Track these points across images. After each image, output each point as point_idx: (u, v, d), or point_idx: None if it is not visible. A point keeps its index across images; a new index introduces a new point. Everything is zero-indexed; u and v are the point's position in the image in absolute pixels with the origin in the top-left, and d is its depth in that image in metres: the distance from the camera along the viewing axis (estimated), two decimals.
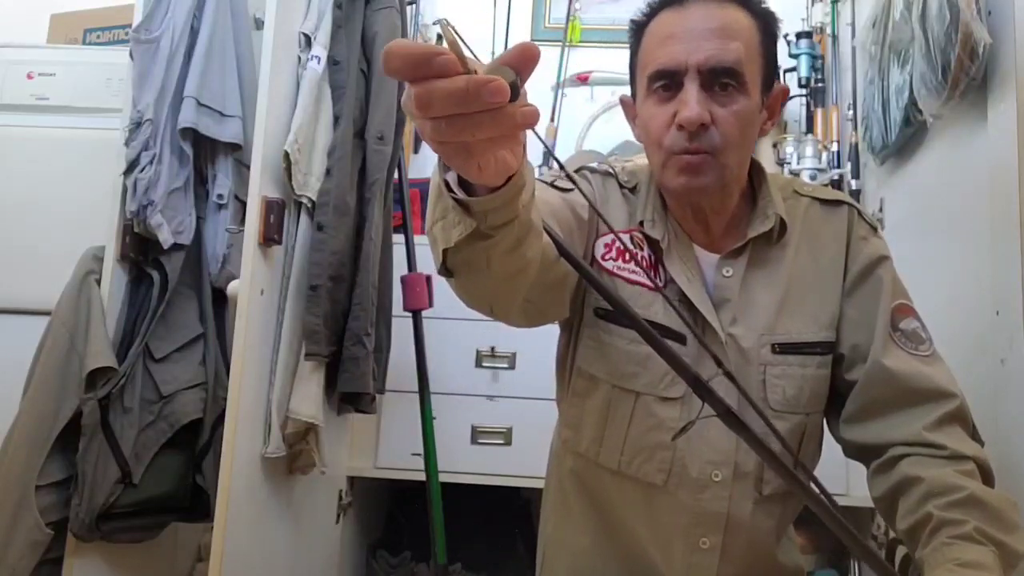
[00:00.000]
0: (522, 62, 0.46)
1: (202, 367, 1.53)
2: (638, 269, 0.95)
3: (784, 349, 0.94)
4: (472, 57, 0.47)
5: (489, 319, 0.84)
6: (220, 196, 1.57)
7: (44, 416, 1.43)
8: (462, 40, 0.46)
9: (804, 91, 2.14)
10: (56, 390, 1.44)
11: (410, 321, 1.66)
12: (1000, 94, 1.21)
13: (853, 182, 2.00)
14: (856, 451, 0.94)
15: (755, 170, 1.00)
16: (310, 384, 1.48)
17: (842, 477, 1.73)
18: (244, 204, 1.48)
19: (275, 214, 1.38)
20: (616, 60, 2.21)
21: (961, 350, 1.20)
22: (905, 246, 1.44)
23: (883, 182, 1.87)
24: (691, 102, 0.87)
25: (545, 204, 0.84)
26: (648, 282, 0.94)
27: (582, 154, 2.15)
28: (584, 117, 2.28)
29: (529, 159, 0.59)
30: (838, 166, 2.06)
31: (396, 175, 1.71)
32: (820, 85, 2.14)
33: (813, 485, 0.61)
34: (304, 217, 1.51)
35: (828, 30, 2.18)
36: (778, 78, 0.97)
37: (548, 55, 2.27)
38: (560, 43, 2.30)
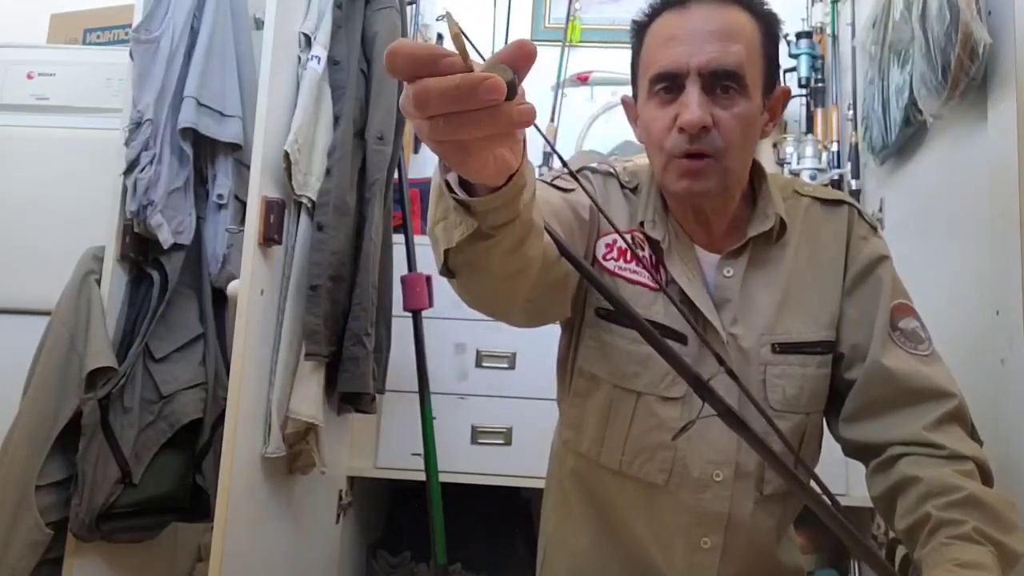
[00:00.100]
0: (519, 59, 0.46)
1: (202, 367, 1.53)
2: (639, 269, 0.95)
3: (784, 349, 0.94)
4: (474, 55, 0.47)
5: (489, 319, 0.84)
6: (220, 196, 1.57)
7: (44, 416, 1.43)
8: (465, 36, 0.46)
9: (804, 91, 2.15)
10: (56, 390, 1.44)
11: (410, 321, 1.66)
12: (1000, 94, 1.22)
13: (853, 182, 2.00)
14: (855, 450, 0.94)
15: (756, 171, 1.00)
16: (310, 384, 1.48)
17: (842, 477, 1.73)
18: (244, 204, 1.48)
19: (275, 214, 1.38)
20: (616, 60, 2.21)
21: (961, 350, 1.20)
22: (905, 246, 1.44)
23: (883, 182, 1.87)
24: (692, 105, 0.87)
25: (546, 204, 0.84)
26: (649, 282, 0.94)
27: (582, 154, 2.15)
28: (584, 117, 2.28)
29: (529, 159, 0.59)
30: (838, 166, 2.07)
31: (396, 175, 1.71)
32: (820, 85, 2.15)
33: (814, 484, 0.61)
34: (304, 217, 1.51)
35: (828, 30, 2.18)
36: (780, 80, 0.97)
37: (548, 55, 2.27)
38: (560, 43, 2.30)
